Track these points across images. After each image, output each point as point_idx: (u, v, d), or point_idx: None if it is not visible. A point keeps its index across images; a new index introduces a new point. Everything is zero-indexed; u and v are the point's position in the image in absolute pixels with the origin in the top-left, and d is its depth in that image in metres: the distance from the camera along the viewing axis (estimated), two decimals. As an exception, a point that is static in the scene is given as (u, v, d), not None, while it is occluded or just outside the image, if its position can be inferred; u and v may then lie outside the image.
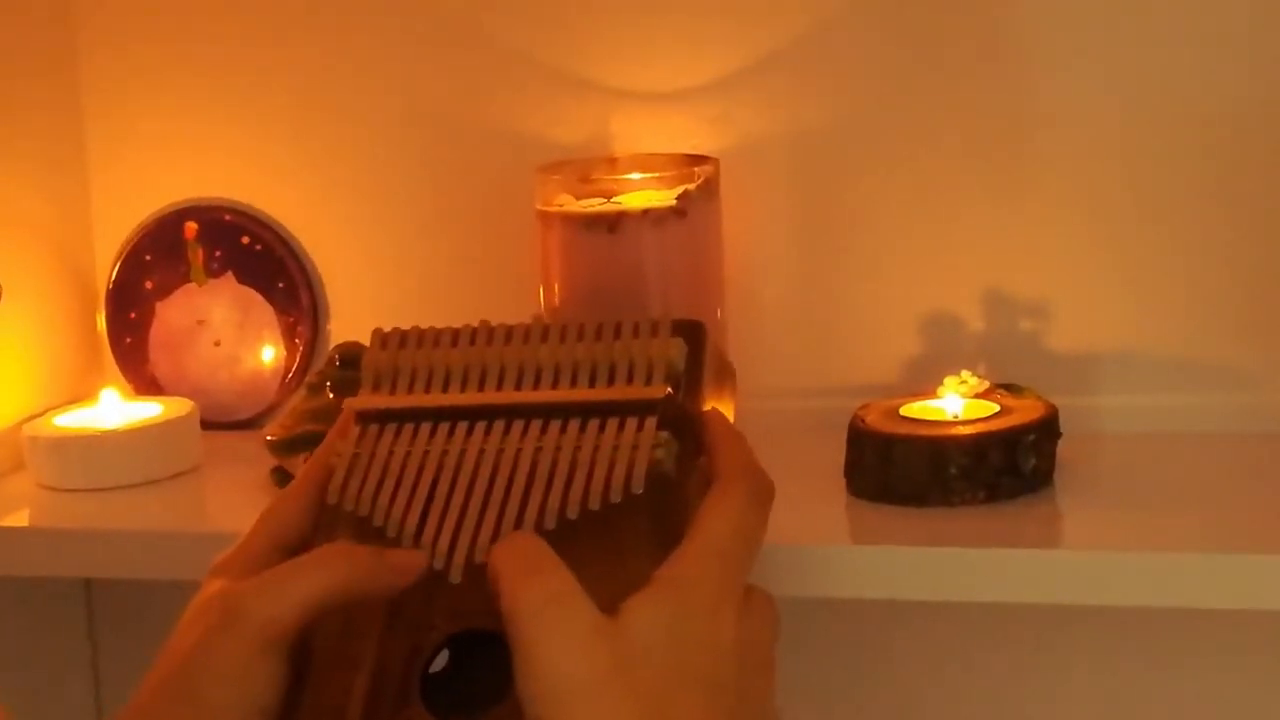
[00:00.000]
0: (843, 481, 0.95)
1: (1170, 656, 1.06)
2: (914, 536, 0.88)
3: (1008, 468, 0.92)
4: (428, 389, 0.78)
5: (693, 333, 0.78)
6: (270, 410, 1.15)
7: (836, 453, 0.95)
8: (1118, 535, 0.88)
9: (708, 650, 0.68)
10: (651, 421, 0.74)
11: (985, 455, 0.91)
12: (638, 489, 0.72)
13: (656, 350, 0.76)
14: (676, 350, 0.76)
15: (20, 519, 1.04)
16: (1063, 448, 0.94)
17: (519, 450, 0.74)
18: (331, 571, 0.70)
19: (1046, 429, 0.93)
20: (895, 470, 0.92)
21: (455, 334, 0.79)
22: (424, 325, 0.80)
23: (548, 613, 0.65)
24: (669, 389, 0.75)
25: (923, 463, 0.91)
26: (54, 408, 1.11)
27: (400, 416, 0.77)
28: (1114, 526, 0.89)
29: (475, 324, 0.79)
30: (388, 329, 0.80)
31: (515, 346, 0.78)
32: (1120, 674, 1.07)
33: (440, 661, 0.72)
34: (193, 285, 1.16)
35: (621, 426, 0.74)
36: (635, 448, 0.73)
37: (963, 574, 0.87)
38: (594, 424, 0.74)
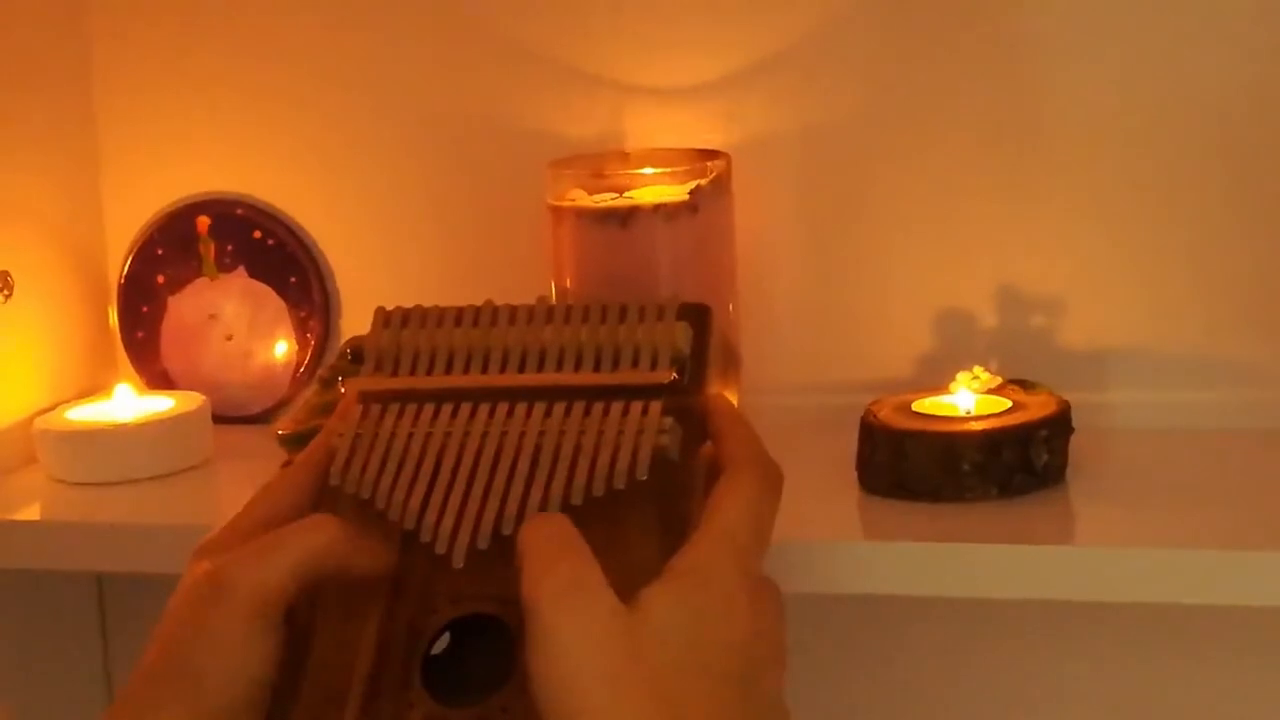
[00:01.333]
0: (855, 477, 0.95)
1: (1185, 652, 1.06)
2: (926, 532, 0.88)
3: (1020, 464, 0.92)
4: (430, 370, 0.77)
5: (698, 317, 0.77)
6: (282, 405, 1.15)
7: (848, 448, 0.95)
8: (1131, 531, 0.88)
9: (723, 642, 0.68)
10: (656, 406, 0.73)
11: (998, 451, 0.91)
12: (642, 475, 0.71)
13: (662, 334, 0.76)
14: (682, 334, 0.76)
15: (32, 513, 1.04)
16: (1075, 443, 0.94)
17: (522, 434, 0.74)
18: (316, 540, 0.70)
19: (1059, 425, 0.93)
20: (908, 466, 0.92)
21: (459, 313, 0.79)
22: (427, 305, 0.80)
23: (567, 600, 0.65)
24: (674, 374, 0.75)
25: (935, 458, 0.91)
26: (65, 402, 1.11)
27: (403, 397, 0.76)
28: (1127, 523, 0.89)
29: (479, 304, 0.79)
30: (390, 307, 0.79)
31: (519, 328, 0.77)
32: (1134, 670, 1.07)
33: (440, 644, 0.72)
34: (204, 279, 1.16)
35: (626, 411, 0.73)
36: (640, 433, 0.72)
37: (975, 570, 0.87)
38: (598, 408, 0.74)
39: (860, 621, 1.10)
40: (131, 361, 1.17)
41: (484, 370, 0.77)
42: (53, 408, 1.10)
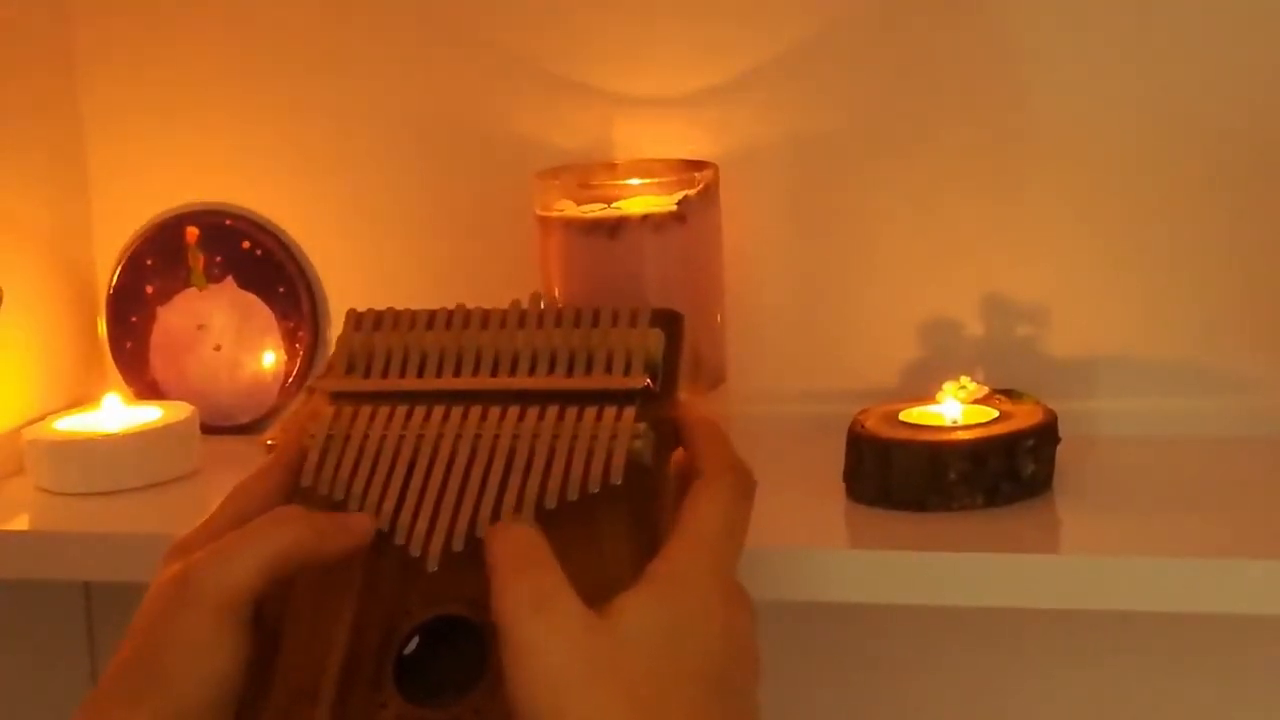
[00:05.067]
0: (842, 486, 0.95)
1: (1169, 661, 1.06)
2: (913, 541, 0.88)
3: (1007, 473, 0.92)
4: (403, 373, 0.77)
5: (671, 323, 0.77)
6: (270, 414, 1.15)
7: (836, 457, 0.95)
8: (1116, 540, 0.88)
9: (699, 646, 0.68)
10: (630, 412, 0.74)
11: (984, 460, 0.91)
12: (616, 480, 0.72)
13: (635, 340, 0.76)
14: (655, 341, 0.76)
15: (20, 523, 1.04)
16: (1061, 453, 0.95)
17: (496, 437, 0.74)
18: (283, 534, 0.70)
19: (1045, 434, 0.93)
20: (894, 475, 0.92)
21: (431, 316, 0.79)
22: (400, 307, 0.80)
23: (536, 612, 0.65)
24: (648, 380, 0.75)
25: (922, 468, 0.92)
26: (54, 412, 1.11)
27: (375, 399, 0.76)
28: (1113, 531, 0.89)
29: (452, 307, 0.79)
30: (362, 309, 0.79)
31: (492, 331, 0.77)
32: (1119, 679, 1.07)
33: (411, 645, 0.72)
34: (193, 290, 1.16)
35: (599, 416, 0.74)
36: (614, 438, 0.73)
37: (962, 579, 0.87)
38: (572, 412, 0.74)
39: (847, 630, 1.10)
40: (120, 371, 1.17)
41: (456, 373, 0.77)
42: (41, 418, 1.10)
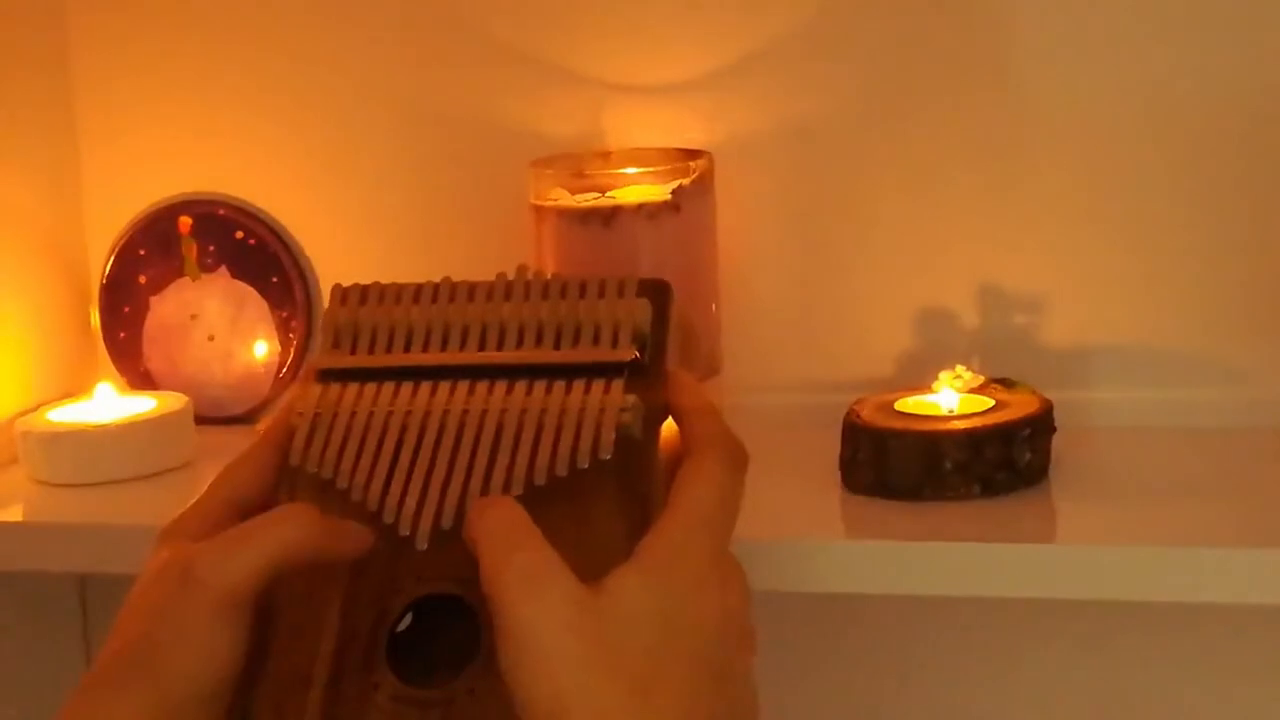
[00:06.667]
0: (838, 476, 0.95)
1: (1165, 650, 1.06)
2: (909, 531, 0.88)
3: (1003, 462, 0.92)
4: (390, 348, 0.76)
5: (659, 294, 0.76)
6: (264, 405, 1.15)
7: (831, 447, 0.95)
8: (1112, 530, 0.88)
9: (694, 623, 0.67)
10: (618, 384, 0.73)
11: (980, 450, 0.91)
12: (606, 454, 0.71)
13: (623, 311, 0.75)
14: (643, 312, 0.75)
15: (14, 514, 1.04)
16: (1058, 442, 0.95)
17: (484, 411, 0.73)
18: (289, 532, 0.69)
19: (1041, 423, 0.93)
20: (890, 465, 0.92)
21: (417, 290, 0.78)
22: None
23: (531, 590, 0.65)
24: (636, 352, 0.74)
25: (918, 457, 0.91)
26: (47, 402, 1.11)
27: (362, 375, 0.76)
28: (1109, 521, 0.89)
29: (438, 280, 0.78)
30: (347, 284, 0.78)
31: (479, 304, 0.77)
32: (1115, 668, 1.07)
33: (404, 623, 0.72)
34: (186, 280, 1.16)
35: (588, 389, 0.73)
36: (602, 411, 0.72)
37: (958, 569, 0.87)
38: (560, 386, 0.73)
39: (843, 620, 1.10)
40: (113, 362, 1.17)
41: (444, 347, 0.76)
42: (34, 408, 1.10)
